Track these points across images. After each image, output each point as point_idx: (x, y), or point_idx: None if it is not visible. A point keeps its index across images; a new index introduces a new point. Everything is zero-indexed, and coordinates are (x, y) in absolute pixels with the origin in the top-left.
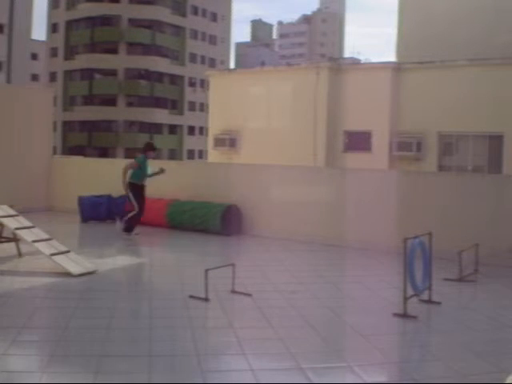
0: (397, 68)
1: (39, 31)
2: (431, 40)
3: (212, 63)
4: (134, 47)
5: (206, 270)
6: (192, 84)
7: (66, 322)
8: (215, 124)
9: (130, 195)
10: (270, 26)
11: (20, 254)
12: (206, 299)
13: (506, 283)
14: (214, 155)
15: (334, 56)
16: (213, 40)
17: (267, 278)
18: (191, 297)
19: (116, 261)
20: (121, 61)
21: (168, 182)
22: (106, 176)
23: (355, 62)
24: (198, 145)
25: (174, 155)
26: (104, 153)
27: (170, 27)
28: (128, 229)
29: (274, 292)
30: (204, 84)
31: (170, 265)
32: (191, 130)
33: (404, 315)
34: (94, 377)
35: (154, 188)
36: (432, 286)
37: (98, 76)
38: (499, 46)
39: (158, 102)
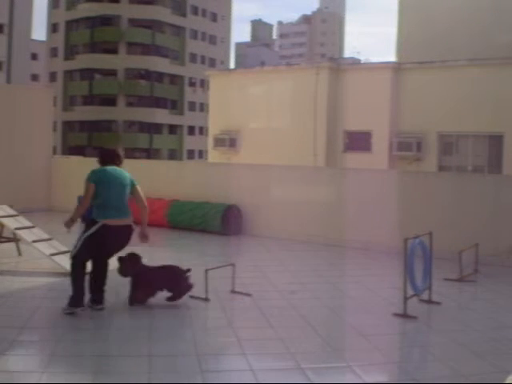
0: (397, 68)
1: (39, 31)
2: (431, 40)
3: (212, 63)
4: (134, 47)
5: (206, 270)
6: (192, 84)
7: (65, 322)
8: (215, 124)
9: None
10: (270, 26)
11: (20, 254)
12: (206, 299)
13: (506, 283)
14: (213, 155)
15: (334, 56)
16: (213, 40)
17: (267, 278)
18: (191, 297)
19: (116, 261)
20: (121, 61)
21: (168, 182)
22: None
23: (355, 62)
24: (198, 145)
25: (174, 155)
26: None
27: (170, 27)
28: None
29: (274, 292)
30: (204, 84)
31: None
32: (191, 130)
33: (404, 315)
34: (94, 377)
35: (154, 188)
36: (432, 285)
37: (98, 76)
38: (499, 46)
39: (158, 102)
